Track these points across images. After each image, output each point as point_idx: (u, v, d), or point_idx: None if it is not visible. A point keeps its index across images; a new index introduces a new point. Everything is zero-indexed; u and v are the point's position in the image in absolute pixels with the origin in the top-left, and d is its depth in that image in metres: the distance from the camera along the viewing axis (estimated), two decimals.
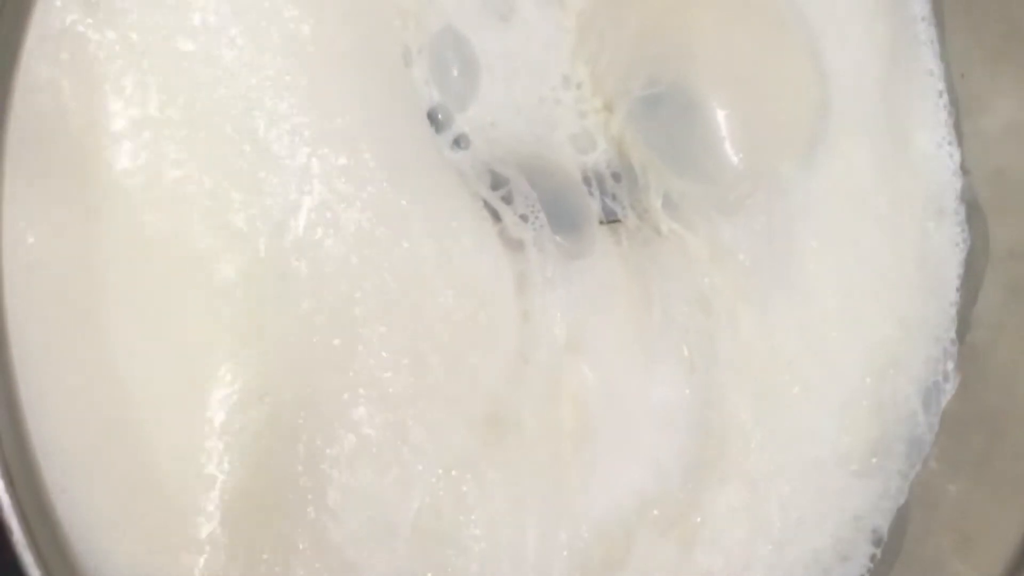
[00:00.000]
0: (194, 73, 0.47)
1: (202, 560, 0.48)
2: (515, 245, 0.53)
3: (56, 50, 0.46)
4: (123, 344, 0.47)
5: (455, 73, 0.53)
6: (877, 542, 0.61)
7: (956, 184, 0.62)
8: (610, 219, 0.56)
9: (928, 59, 0.62)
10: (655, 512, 0.55)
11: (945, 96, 0.62)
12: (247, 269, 0.48)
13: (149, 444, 0.47)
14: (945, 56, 0.62)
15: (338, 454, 0.49)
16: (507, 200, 0.53)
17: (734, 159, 0.56)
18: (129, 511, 0.47)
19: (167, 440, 0.48)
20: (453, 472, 0.51)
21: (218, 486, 0.48)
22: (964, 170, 0.63)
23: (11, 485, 0.42)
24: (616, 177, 0.56)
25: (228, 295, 0.48)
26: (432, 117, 0.53)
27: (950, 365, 0.62)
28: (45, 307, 0.46)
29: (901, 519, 0.62)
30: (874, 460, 0.61)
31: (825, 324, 0.60)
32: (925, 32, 0.62)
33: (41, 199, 0.46)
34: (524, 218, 0.53)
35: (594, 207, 0.55)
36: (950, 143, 0.62)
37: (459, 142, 0.53)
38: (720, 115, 0.56)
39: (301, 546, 0.48)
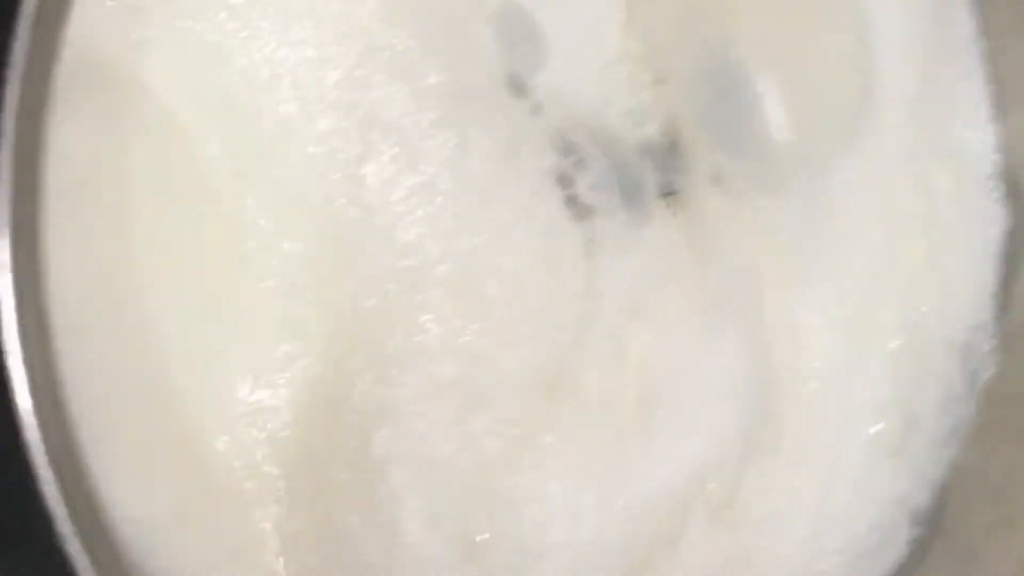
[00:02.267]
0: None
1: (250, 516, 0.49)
2: (583, 212, 0.54)
3: None
4: (163, 303, 0.48)
5: (520, 44, 0.54)
6: (916, 523, 0.62)
7: (996, 162, 0.63)
8: (666, 192, 0.57)
9: (969, 34, 0.63)
10: (712, 485, 0.56)
11: (985, 72, 0.63)
12: (308, 220, 0.50)
13: (189, 408, 0.48)
14: (986, 31, 0.63)
15: (393, 402, 0.50)
16: (578, 167, 0.54)
17: (779, 137, 0.57)
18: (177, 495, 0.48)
19: (208, 400, 0.49)
20: (509, 431, 0.52)
21: (271, 441, 0.49)
22: (1005, 148, 0.63)
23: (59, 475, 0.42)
24: (671, 151, 0.57)
25: (287, 247, 0.49)
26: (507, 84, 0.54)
27: (990, 344, 0.62)
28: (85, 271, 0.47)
29: (940, 500, 0.62)
30: (913, 439, 0.62)
31: (864, 303, 0.61)
32: (967, 8, 0.63)
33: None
34: (595, 186, 0.54)
35: (654, 179, 0.56)
36: (990, 120, 0.63)
37: (530, 110, 0.54)
38: (766, 93, 0.57)
39: (354, 494, 0.50)
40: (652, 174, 0.56)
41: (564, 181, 0.54)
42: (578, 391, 0.53)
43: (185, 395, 0.48)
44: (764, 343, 0.57)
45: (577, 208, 0.54)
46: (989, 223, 0.63)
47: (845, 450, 0.60)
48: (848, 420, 0.60)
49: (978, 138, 0.63)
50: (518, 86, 0.54)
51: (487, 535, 0.52)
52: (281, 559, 0.49)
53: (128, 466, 0.46)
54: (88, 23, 0.47)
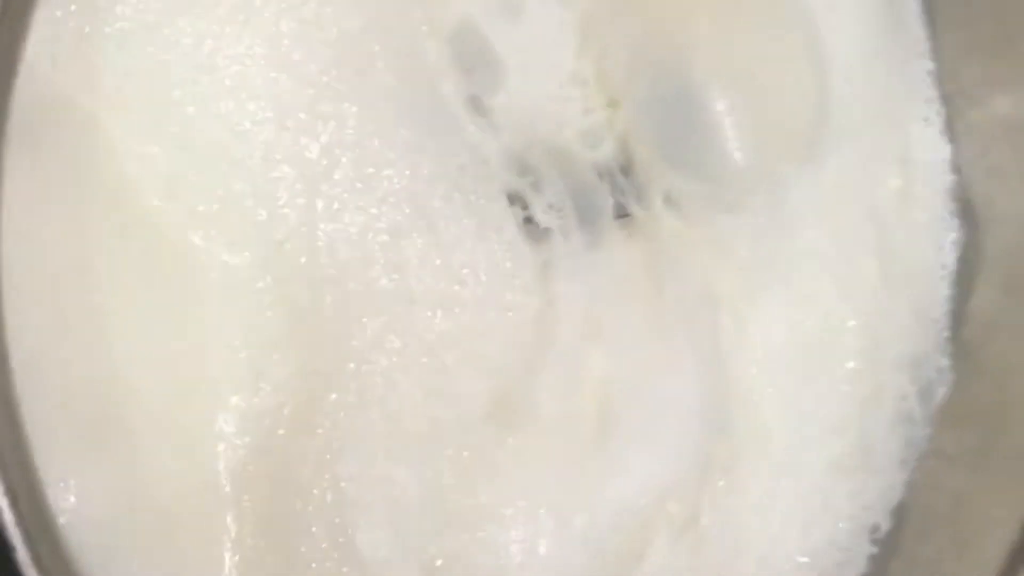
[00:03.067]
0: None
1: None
2: (540, 234, 0.55)
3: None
4: (120, 335, 0.49)
5: (476, 65, 0.55)
6: (875, 542, 0.62)
7: (949, 181, 0.64)
8: (620, 214, 0.58)
9: (921, 54, 0.64)
10: (673, 506, 0.57)
11: (937, 93, 0.64)
12: (255, 254, 0.50)
13: (147, 442, 0.49)
14: (938, 52, 0.64)
15: (350, 426, 0.51)
16: (535, 188, 0.55)
17: (735, 158, 0.58)
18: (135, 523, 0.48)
19: (168, 438, 0.49)
20: (464, 454, 0.52)
21: (228, 461, 0.50)
22: (956, 167, 0.64)
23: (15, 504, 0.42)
24: (624, 172, 0.58)
25: (236, 282, 0.50)
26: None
27: (945, 362, 0.63)
28: (42, 310, 0.47)
29: (899, 518, 0.63)
30: (869, 459, 0.62)
31: (820, 323, 0.62)
32: (918, 28, 0.64)
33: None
34: (551, 207, 0.55)
35: (609, 200, 0.57)
36: (943, 139, 0.64)
37: (488, 130, 0.55)
38: (721, 114, 0.58)
39: (311, 517, 0.50)
40: (608, 195, 0.57)
41: (520, 202, 0.55)
42: (535, 413, 0.54)
43: (142, 416, 0.49)
44: (721, 363, 0.58)
45: (534, 230, 0.55)
46: (942, 240, 0.64)
47: (802, 469, 0.60)
48: (804, 439, 0.60)
49: (931, 156, 0.64)
50: (476, 107, 0.55)
51: (445, 558, 0.52)
52: None
53: (78, 473, 0.47)
54: (43, 56, 0.47)
